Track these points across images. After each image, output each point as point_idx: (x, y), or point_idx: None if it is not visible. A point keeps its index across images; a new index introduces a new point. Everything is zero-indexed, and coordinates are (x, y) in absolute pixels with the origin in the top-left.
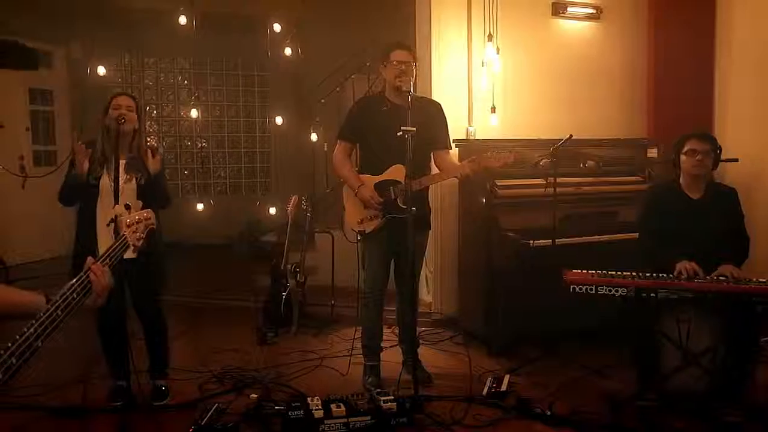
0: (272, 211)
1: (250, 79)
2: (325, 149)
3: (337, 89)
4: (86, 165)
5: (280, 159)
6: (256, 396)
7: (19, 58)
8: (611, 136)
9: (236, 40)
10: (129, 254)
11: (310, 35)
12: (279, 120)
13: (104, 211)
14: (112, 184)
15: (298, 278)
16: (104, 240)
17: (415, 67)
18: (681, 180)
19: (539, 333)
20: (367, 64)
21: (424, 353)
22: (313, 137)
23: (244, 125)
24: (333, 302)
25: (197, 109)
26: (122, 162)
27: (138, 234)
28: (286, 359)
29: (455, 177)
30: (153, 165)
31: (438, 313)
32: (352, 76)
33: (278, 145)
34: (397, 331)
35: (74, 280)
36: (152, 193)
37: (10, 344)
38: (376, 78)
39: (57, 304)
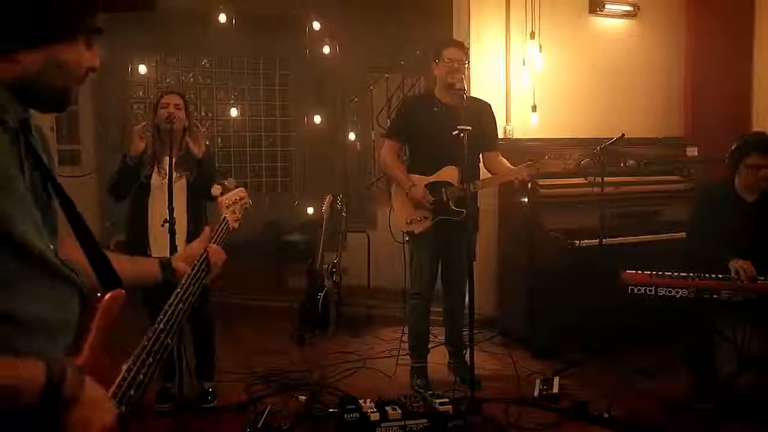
0: (310, 210)
1: (272, 78)
2: (359, 148)
3: (371, 88)
4: (141, 146)
5: (305, 158)
6: (304, 398)
7: None
8: (649, 134)
9: (262, 38)
10: None
11: (342, 34)
12: (318, 119)
13: (156, 210)
14: (164, 183)
15: (334, 278)
16: (157, 239)
17: (468, 66)
18: (736, 182)
19: (584, 334)
20: (402, 62)
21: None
22: (351, 136)
23: (265, 124)
24: (369, 302)
25: (236, 108)
26: (173, 160)
27: (236, 215)
28: (328, 360)
29: (512, 180)
30: (197, 148)
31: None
32: (386, 75)
33: (303, 144)
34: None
35: (190, 270)
36: (203, 189)
37: (145, 343)
38: (407, 77)
39: (190, 280)
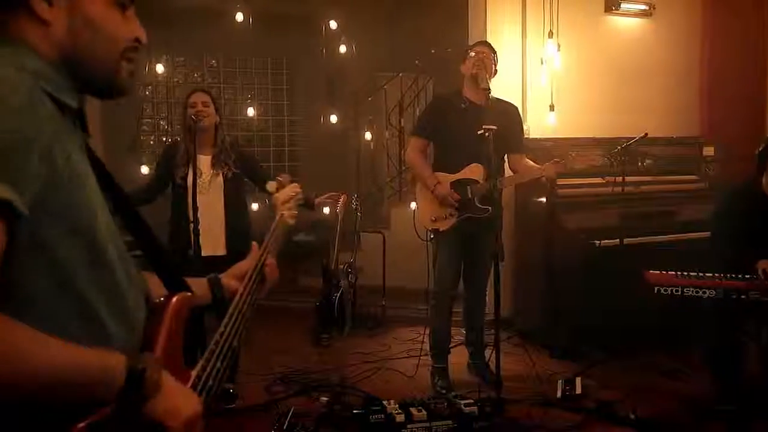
0: (326, 210)
1: (282, 77)
2: (372, 147)
3: (384, 87)
4: None
5: (318, 157)
6: (326, 399)
7: None
8: (665, 134)
9: (274, 37)
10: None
11: (355, 33)
12: (333, 118)
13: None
14: (199, 182)
15: (350, 278)
16: (201, 237)
17: (495, 64)
18: (763, 182)
19: (603, 334)
20: (416, 62)
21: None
22: (367, 136)
23: (275, 123)
24: (384, 303)
25: (249, 108)
26: (208, 158)
27: (293, 211)
28: (346, 361)
29: (539, 178)
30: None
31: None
32: (400, 75)
33: (316, 144)
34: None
35: (250, 273)
36: (240, 186)
37: (213, 347)
38: (421, 76)
39: (243, 298)
